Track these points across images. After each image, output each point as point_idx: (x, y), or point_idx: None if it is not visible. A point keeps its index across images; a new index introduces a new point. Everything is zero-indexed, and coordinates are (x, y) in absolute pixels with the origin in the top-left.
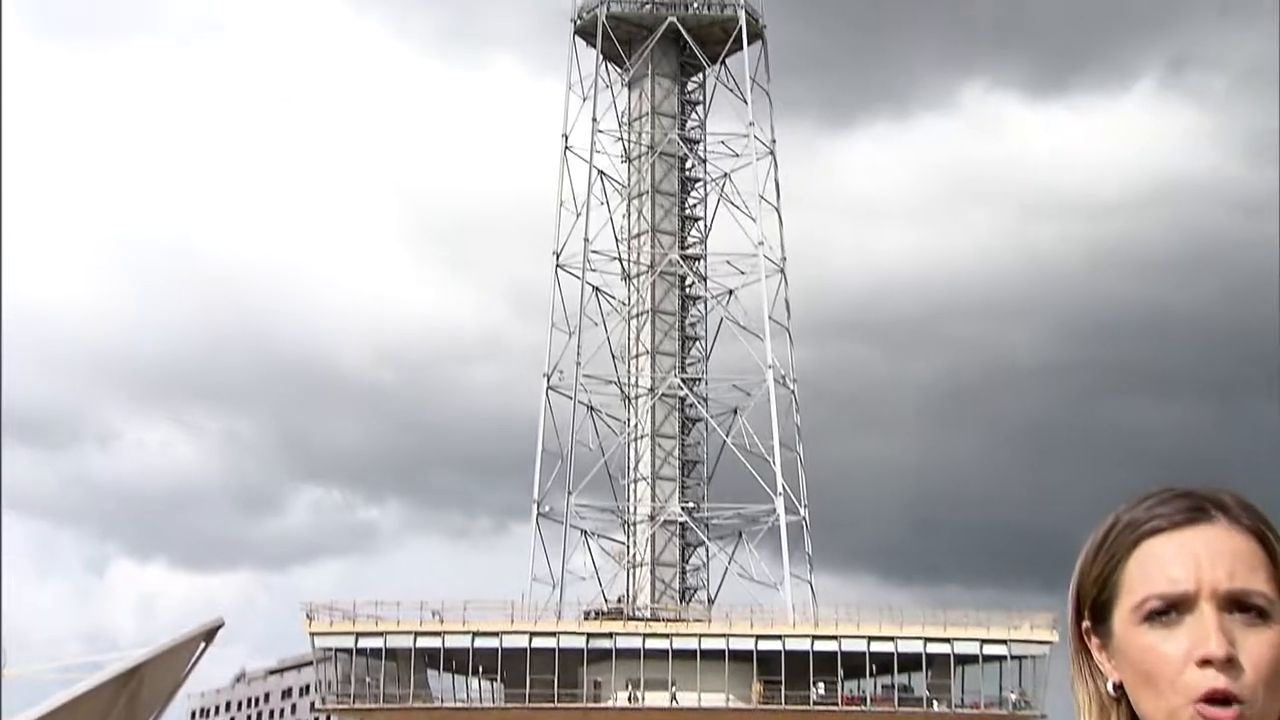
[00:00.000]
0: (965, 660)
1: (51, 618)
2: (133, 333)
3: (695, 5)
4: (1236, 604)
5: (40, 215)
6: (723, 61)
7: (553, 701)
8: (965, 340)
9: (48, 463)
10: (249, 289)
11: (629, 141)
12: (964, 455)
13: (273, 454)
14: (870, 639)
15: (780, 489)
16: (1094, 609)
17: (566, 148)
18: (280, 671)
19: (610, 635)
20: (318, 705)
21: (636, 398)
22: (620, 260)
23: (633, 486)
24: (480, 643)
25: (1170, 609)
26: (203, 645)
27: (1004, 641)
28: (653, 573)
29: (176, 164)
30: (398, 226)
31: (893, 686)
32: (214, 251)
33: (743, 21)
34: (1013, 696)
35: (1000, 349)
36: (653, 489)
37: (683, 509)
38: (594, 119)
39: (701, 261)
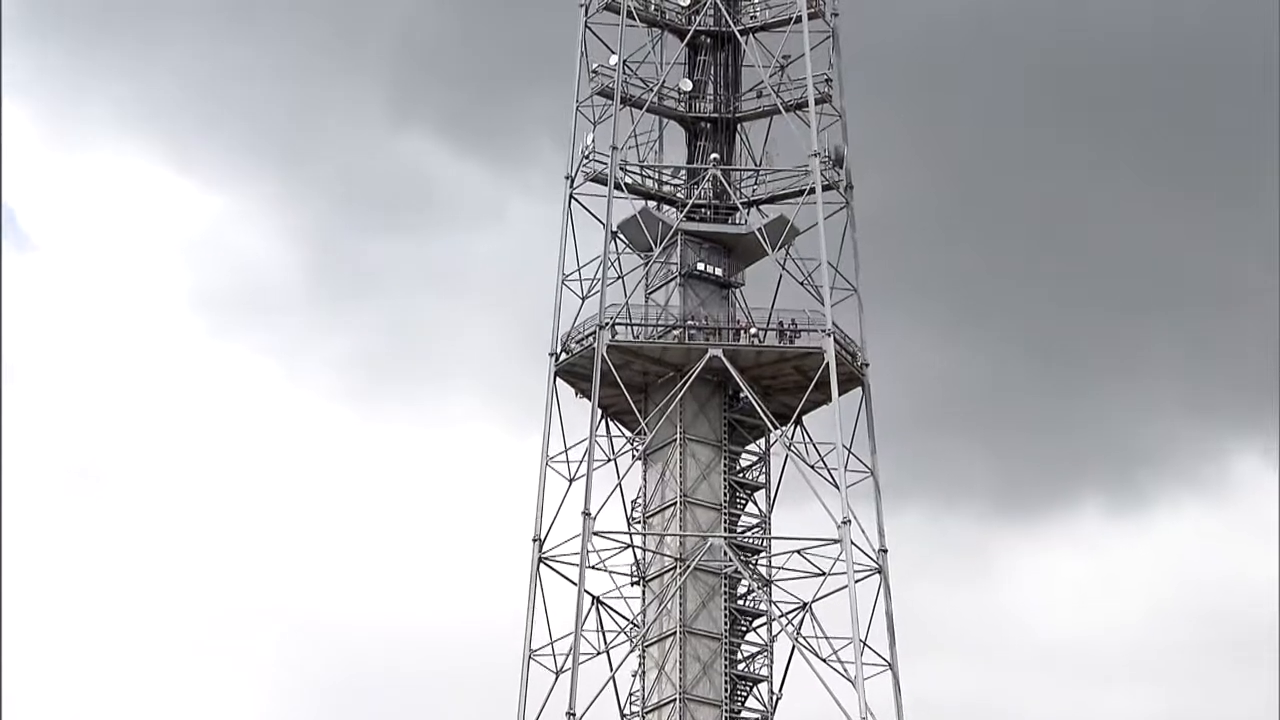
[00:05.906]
0: None
1: None
2: None
3: (753, 331)
4: None
5: None
6: (798, 420)
7: None
8: None
9: None
10: None
11: (644, 549)
12: None
13: None
14: None
15: None
16: None
17: (541, 559)
18: None
19: None
20: None
21: None
22: None
23: None
24: None
25: None
26: None
27: None
28: None
29: None
30: (268, 678)
31: None
32: None
33: (830, 357)
34: None
35: None
36: None
37: None
38: (586, 513)
39: None
